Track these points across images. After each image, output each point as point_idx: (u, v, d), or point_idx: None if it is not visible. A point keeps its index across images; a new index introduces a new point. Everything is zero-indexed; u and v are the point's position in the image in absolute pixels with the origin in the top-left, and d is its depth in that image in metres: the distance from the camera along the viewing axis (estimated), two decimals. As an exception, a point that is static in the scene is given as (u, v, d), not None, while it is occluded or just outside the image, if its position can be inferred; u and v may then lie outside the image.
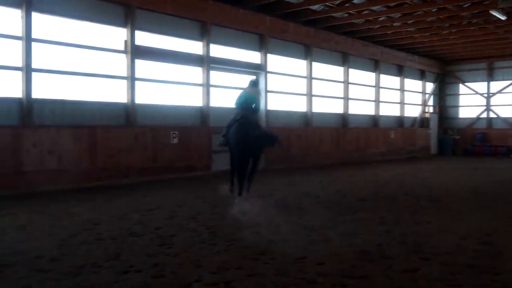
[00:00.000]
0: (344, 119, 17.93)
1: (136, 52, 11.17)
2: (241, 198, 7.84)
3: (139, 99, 11.39)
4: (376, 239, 5.40)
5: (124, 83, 11.09)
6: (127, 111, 11.11)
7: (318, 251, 4.86)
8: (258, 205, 7.68)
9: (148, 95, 11.72)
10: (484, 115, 23.21)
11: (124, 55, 11.04)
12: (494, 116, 22.92)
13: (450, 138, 23.69)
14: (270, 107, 14.70)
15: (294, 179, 11.81)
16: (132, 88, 11.12)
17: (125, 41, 11.06)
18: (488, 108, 23.08)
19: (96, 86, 10.72)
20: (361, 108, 19.05)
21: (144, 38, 11.47)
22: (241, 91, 8.77)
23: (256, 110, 8.43)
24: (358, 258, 4.59)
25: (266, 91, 14.45)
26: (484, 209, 7.58)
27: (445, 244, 5.22)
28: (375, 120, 19.66)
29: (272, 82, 14.90)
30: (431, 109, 23.71)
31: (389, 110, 20.80)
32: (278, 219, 6.52)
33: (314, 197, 8.70)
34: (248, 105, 8.32)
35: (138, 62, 11.30)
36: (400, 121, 21.39)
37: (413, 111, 22.59)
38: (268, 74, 14.61)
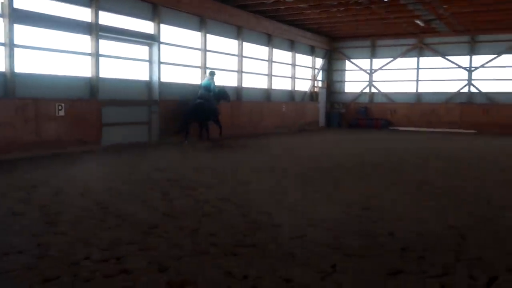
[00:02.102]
0: (238, 93, 18.06)
1: (15, 16, 10.15)
2: (187, 143, 13.39)
3: (20, 68, 10.44)
4: (267, 209, 5.57)
5: (1, 50, 10.09)
6: (5, 80, 10.11)
7: (212, 222, 4.91)
8: (151, 179, 7.60)
9: (31, 64, 10.79)
10: (367, 90, 24.84)
11: (1, 19, 10.05)
12: (376, 91, 24.64)
13: (336, 112, 25.05)
14: (164, 79, 14.36)
15: (188, 152, 11.74)
16: (10, 56, 10.11)
17: (2, 3, 10.01)
18: (370, 83, 24.66)
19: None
20: (254, 81, 19.35)
21: (24, 1, 10.48)
22: (205, 79, 14.73)
23: (213, 91, 14.47)
24: (250, 228, 4.71)
25: (160, 63, 14.11)
26: (366, 178, 8.15)
27: (331, 211, 5.53)
28: (268, 94, 20.09)
29: (166, 53, 14.54)
30: (320, 84, 24.85)
31: (281, 84, 21.41)
32: (172, 193, 6.47)
33: (208, 170, 8.76)
34: (207, 88, 14.34)
35: (18, 27, 10.31)
36: (291, 95, 22.08)
37: (303, 86, 23.50)
38: (162, 45, 14.23)
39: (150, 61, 14.02)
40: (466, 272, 3.53)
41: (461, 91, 22.47)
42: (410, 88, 23.62)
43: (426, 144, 15.12)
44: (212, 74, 14.87)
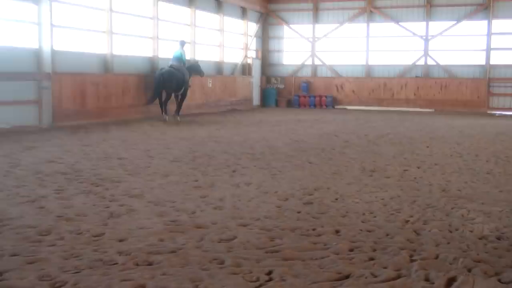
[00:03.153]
0: (153, 64, 17.75)
1: None
2: (167, 117, 15.65)
3: None
4: (189, 206, 5.55)
5: None
6: None
7: (120, 224, 4.83)
8: (41, 172, 7.34)
9: None
10: (309, 62, 25.24)
11: None
12: (319, 63, 25.07)
13: (273, 88, 25.29)
14: (57, 47, 13.81)
15: (90, 138, 11.44)
16: None
17: None
18: (313, 54, 25.07)
19: None
20: (173, 50, 19.08)
21: None
22: (176, 50, 16.58)
23: (183, 61, 16.36)
24: (168, 230, 4.67)
25: (52, 26, 13.47)
26: (307, 166, 8.32)
27: (265, 207, 5.60)
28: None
29: (60, 13, 13.94)
30: (253, 54, 24.93)
31: (207, 54, 21.27)
32: (69, 189, 6.30)
33: (115, 160, 8.58)
34: (178, 59, 16.16)
35: None
36: (219, 67, 22.02)
37: (233, 56, 23.47)
38: (53, 3, 13.60)
39: (38, 23, 13.43)
40: (421, 273, 3.69)
41: (417, 63, 23.45)
42: (359, 59, 24.27)
43: (376, 125, 15.60)
44: (182, 44, 16.84)
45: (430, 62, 23.21)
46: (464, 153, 9.94)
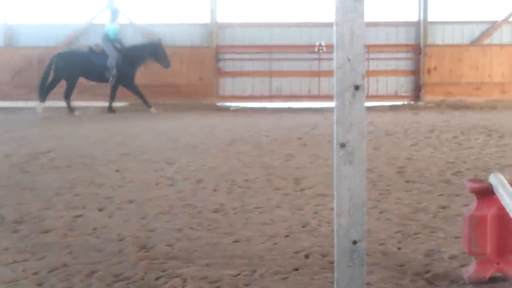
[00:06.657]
0: None
1: None
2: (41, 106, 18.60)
3: None
4: None
5: None
6: None
7: None
8: None
9: None
10: None
11: None
12: None
13: None
14: None
15: None
16: None
17: None
18: None
19: None
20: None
21: None
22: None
23: (114, 40, 20.92)
24: None
25: None
26: None
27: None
28: None
29: None
30: None
31: None
32: None
33: None
34: (108, 38, 20.62)
35: None
36: None
37: None
38: None
39: None
40: None
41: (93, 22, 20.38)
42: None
43: (27, 136, 13.73)
44: (114, 13, 19.64)
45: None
46: (179, 179, 10.06)
